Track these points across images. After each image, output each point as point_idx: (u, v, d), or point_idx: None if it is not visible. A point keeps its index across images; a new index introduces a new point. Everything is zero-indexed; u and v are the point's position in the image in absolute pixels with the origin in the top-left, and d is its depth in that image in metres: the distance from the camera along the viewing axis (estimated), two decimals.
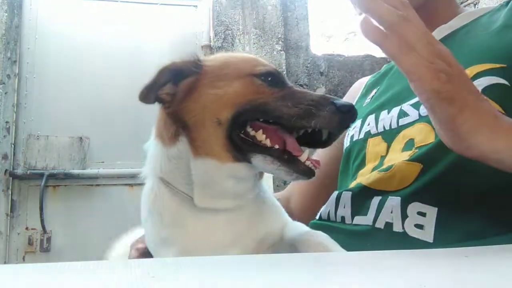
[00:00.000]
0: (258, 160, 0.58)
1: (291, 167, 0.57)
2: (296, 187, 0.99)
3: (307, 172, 0.57)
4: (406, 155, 0.68)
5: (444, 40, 0.78)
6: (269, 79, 0.60)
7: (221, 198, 0.61)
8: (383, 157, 0.73)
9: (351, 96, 0.99)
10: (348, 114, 0.57)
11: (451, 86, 0.51)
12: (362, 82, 1.00)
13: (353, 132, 0.84)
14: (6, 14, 2.49)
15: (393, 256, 0.45)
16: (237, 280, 0.33)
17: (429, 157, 0.64)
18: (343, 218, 0.73)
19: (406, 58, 0.51)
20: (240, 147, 0.58)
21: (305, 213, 0.88)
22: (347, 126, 0.59)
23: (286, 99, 0.58)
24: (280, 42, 2.76)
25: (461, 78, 0.53)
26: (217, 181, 0.60)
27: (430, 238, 0.60)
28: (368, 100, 0.88)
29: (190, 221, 0.62)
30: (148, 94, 0.61)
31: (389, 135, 0.74)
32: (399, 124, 0.73)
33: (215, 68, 0.62)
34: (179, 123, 0.61)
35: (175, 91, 0.61)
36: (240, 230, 0.63)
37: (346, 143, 0.86)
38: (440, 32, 0.79)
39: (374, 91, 0.89)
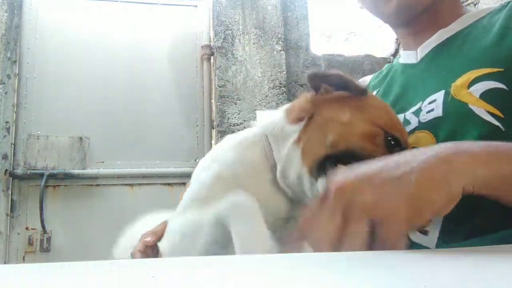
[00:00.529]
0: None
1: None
2: None
3: None
4: None
5: (444, 44, 0.77)
6: (392, 142, 0.64)
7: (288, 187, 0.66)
8: None
9: None
10: None
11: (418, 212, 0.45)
12: (365, 80, 0.99)
13: None
14: (6, 14, 2.49)
15: (393, 256, 0.45)
16: (237, 280, 0.33)
17: None
18: None
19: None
20: (323, 170, 0.63)
21: None
22: None
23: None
24: (280, 42, 2.76)
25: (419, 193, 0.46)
26: (290, 174, 0.65)
27: (432, 245, 0.60)
28: None
29: (261, 180, 0.67)
30: (316, 78, 0.68)
31: None
32: None
33: (367, 101, 0.67)
34: (310, 113, 0.67)
35: (331, 92, 0.67)
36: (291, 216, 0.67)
37: None
38: (440, 36, 0.78)
39: (374, 93, 0.89)
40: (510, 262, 0.41)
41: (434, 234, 0.60)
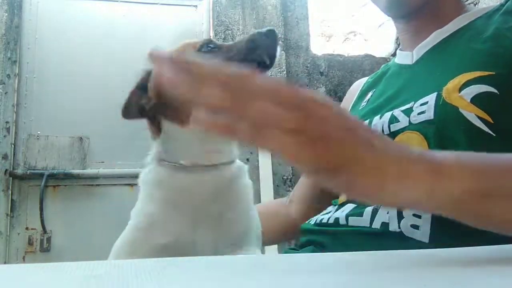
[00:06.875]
0: None
1: None
2: (297, 193, 0.99)
3: None
4: None
5: (439, 45, 0.77)
6: None
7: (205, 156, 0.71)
8: None
9: (349, 100, 0.98)
10: (272, 37, 0.70)
11: (331, 153, 0.37)
12: (359, 84, 0.99)
13: None
14: (6, 14, 2.50)
15: (393, 256, 0.45)
16: (237, 280, 0.33)
17: None
18: (337, 219, 0.72)
19: (262, 140, 0.37)
20: None
21: (307, 219, 0.87)
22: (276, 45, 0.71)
23: None
24: (280, 42, 2.76)
25: (343, 131, 0.38)
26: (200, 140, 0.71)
27: (426, 239, 0.59)
28: (363, 103, 0.87)
29: (178, 180, 0.73)
30: None
31: None
32: (391, 130, 0.72)
33: None
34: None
35: None
36: (220, 188, 0.71)
37: None
38: (436, 37, 0.78)
39: (370, 93, 0.88)
40: (510, 262, 0.41)
41: (425, 227, 0.59)
